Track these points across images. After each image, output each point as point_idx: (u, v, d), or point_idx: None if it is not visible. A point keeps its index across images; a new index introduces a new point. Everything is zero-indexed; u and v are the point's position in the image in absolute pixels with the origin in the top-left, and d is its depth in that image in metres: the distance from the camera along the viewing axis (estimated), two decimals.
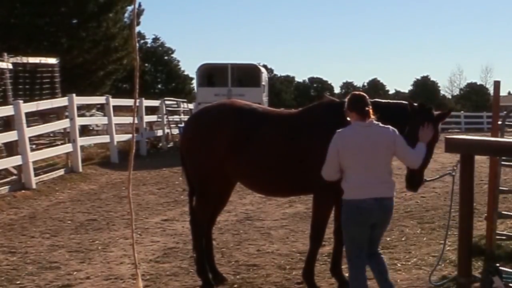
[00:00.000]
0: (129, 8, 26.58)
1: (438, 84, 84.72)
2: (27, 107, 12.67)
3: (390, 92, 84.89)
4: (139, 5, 28.58)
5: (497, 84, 7.22)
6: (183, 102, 27.25)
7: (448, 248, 6.52)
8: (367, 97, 5.05)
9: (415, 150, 5.06)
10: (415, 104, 5.35)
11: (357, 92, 5.17)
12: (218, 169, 5.88)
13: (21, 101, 12.45)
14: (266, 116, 5.98)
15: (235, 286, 6.23)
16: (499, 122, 7.00)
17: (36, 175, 12.49)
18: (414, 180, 5.34)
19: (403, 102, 5.65)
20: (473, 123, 41.04)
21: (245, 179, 6.07)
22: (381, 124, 4.96)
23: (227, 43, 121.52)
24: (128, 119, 18.19)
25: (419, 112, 5.26)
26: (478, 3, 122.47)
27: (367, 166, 4.85)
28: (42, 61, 16.44)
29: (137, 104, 7.57)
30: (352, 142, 4.87)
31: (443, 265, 6.41)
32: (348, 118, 5.00)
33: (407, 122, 5.25)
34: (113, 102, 17.54)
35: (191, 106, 26.95)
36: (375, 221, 4.92)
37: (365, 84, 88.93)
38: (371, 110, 4.95)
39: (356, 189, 4.86)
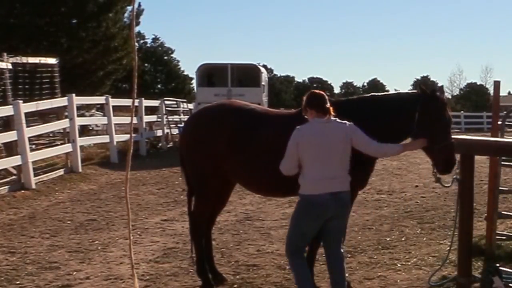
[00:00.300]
0: (129, 8, 26.62)
1: (438, 84, 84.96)
2: (26, 107, 12.66)
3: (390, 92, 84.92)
4: (139, 5, 28.70)
5: (497, 84, 7.22)
6: (182, 102, 27.22)
7: (448, 248, 6.51)
8: (326, 96, 5.14)
9: (387, 144, 5.12)
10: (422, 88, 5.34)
11: (316, 91, 5.28)
12: (217, 169, 5.87)
13: (20, 101, 12.44)
14: (265, 116, 5.97)
15: (235, 286, 6.22)
16: (499, 122, 7.00)
17: (35, 175, 12.48)
18: (449, 162, 5.23)
19: (402, 92, 5.67)
20: (473, 123, 41.06)
21: (244, 179, 6.05)
22: (338, 120, 5.05)
23: (227, 43, 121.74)
24: (127, 119, 18.13)
25: (431, 99, 5.24)
26: (478, 3, 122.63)
27: (323, 162, 4.94)
28: (42, 61, 16.43)
29: (136, 104, 7.55)
30: (309, 138, 4.97)
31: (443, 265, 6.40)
32: (306, 116, 5.10)
33: (407, 112, 5.26)
34: (113, 102, 17.51)
35: (191, 106, 26.93)
36: (331, 215, 4.99)
37: (365, 84, 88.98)
38: (331, 108, 5.04)
39: (312, 184, 4.95)
